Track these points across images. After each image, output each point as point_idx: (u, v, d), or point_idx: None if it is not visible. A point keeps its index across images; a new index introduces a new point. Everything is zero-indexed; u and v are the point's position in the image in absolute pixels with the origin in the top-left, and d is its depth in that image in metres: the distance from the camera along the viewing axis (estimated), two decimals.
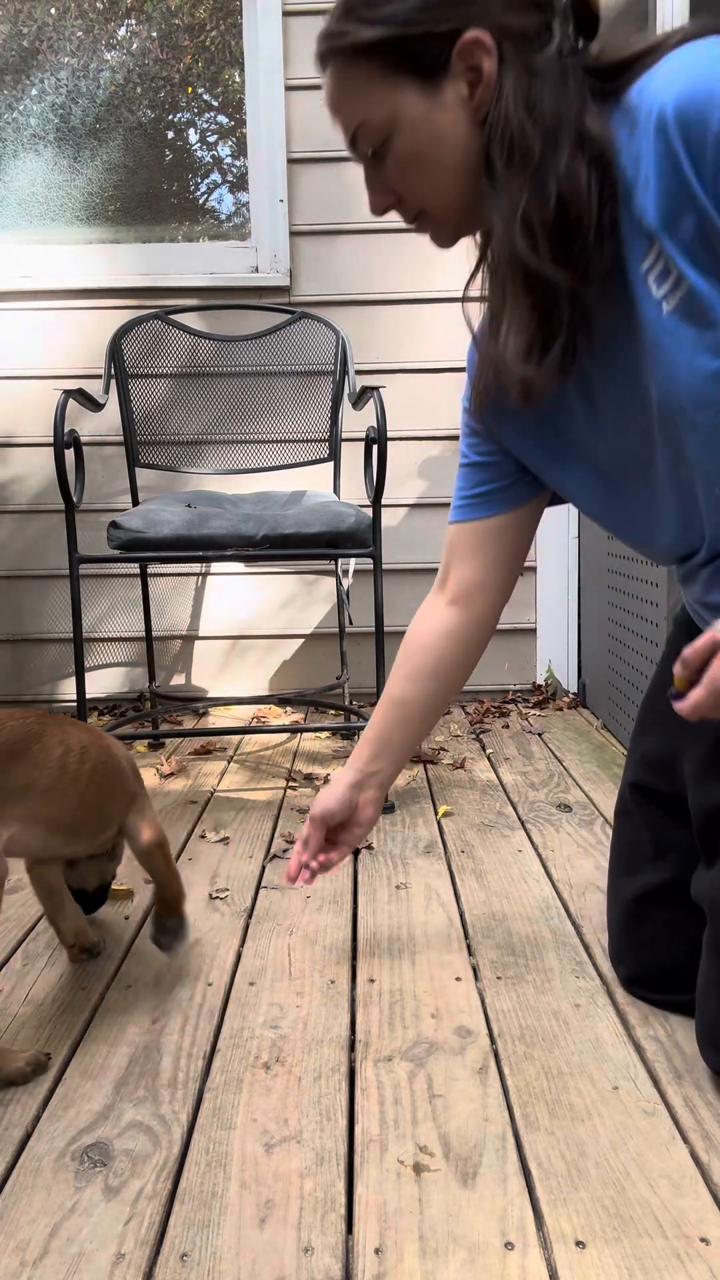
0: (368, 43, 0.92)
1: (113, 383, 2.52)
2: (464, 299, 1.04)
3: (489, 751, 2.42)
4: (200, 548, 2.01)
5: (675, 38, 0.87)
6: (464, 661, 1.28)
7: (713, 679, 0.89)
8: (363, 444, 2.14)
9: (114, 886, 1.60)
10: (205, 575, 2.94)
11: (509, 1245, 0.83)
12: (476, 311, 1.06)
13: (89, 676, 2.92)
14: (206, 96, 2.96)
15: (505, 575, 1.24)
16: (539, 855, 1.72)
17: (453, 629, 1.26)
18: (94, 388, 2.36)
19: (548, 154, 0.88)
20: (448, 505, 2.90)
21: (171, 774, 2.28)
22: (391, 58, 0.92)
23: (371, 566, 2.08)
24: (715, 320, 0.87)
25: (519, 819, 1.91)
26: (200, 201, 3.00)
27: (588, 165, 0.88)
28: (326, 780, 2.20)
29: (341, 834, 1.30)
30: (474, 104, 0.92)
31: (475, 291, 1.04)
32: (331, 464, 2.67)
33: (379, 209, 1.02)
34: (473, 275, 1.04)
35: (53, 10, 2.85)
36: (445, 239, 1.02)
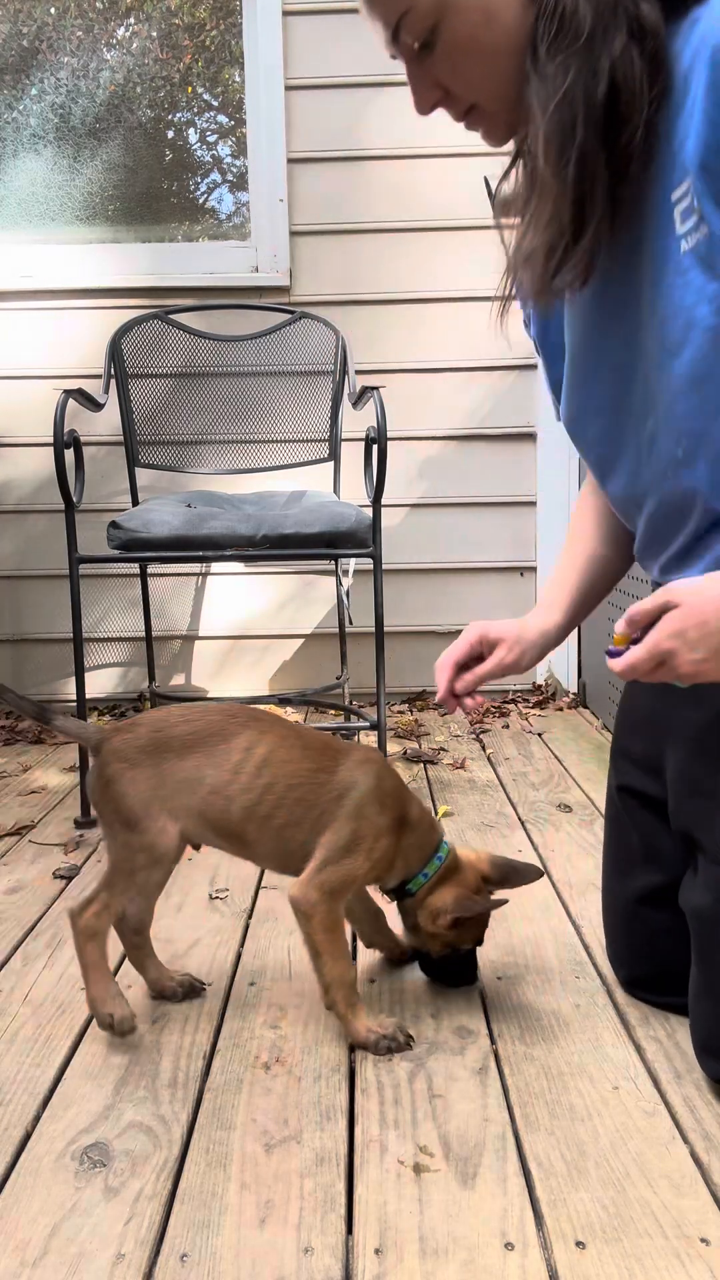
0: None
1: (113, 383, 2.52)
2: (496, 218, 0.98)
3: (489, 751, 2.42)
4: (200, 548, 2.01)
5: None
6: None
7: (655, 643, 0.87)
8: (363, 444, 2.14)
9: None
10: (205, 575, 2.94)
11: (509, 1245, 0.83)
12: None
13: (89, 676, 2.92)
14: (206, 96, 2.96)
15: None
16: (539, 855, 1.71)
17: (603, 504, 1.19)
18: (94, 388, 2.36)
19: (599, 33, 0.83)
20: (448, 505, 2.91)
21: None
22: None
23: (371, 567, 2.08)
24: None
25: (519, 819, 1.91)
26: (200, 201, 3.00)
27: (641, 56, 0.84)
28: None
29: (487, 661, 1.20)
30: None
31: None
32: (331, 464, 2.67)
33: (426, 106, 0.95)
34: (508, 171, 0.98)
35: (53, 10, 2.85)
36: (498, 135, 0.96)
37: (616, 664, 0.89)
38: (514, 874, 1.24)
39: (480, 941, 1.25)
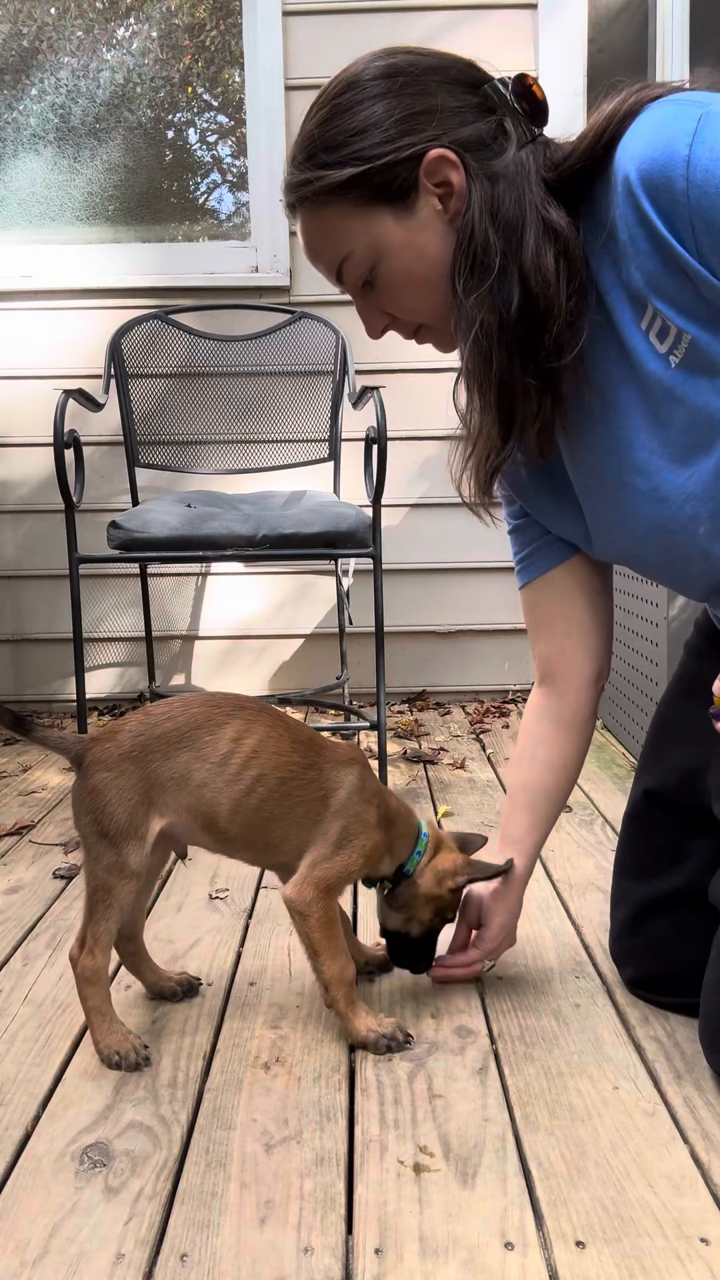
0: (338, 183, 0.94)
1: (113, 382, 2.52)
2: (455, 394, 1.05)
3: (489, 751, 2.42)
4: (200, 548, 2.01)
5: (625, 105, 0.88)
6: (567, 744, 1.22)
7: None
8: (363, 444, 2.14)
9: None
10: (205, 575, 2.94)
11: (509, 1245, 0.83)
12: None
13: (89, 676, 2.92)
14: (206, 96, 2.96)
15: (582, 640, 1.19)
16: (539, 855, 1.71)
17: (546, 710, 1.23)
18: (94, 388, 2.36)
19: (508, 262, 0.91)
20: (448, 505, 2.91)
21: None
22: (364, 192, 0.94)
23: (371, 566, 2.07)
24: None
25: None
26: (200, 201, 3.00)
27: (555, 255, 0.90)
28: None
29: (478, 937, 1.25)
30: (449, 215, 0.94)
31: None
32: (331, 464, 2.67)
33: (376, 332, 1.05)
34: (458, 379, 1.05)
35: (53, 10, 2.85)
36: (448, 345, 1.03)
37: None
38: (468, 844, 1.26)
39: (454, 916, 1.25)
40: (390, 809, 1.19)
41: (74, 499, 2.07)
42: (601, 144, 0.88)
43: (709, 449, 0.93)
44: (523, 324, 0.92)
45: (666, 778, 1.21)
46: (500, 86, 0.92)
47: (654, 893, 1.19)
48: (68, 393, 2.10)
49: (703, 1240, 0.83)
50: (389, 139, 0.92)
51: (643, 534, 1.03)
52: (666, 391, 0.92)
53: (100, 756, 1.11)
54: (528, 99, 0.92)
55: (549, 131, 0.95)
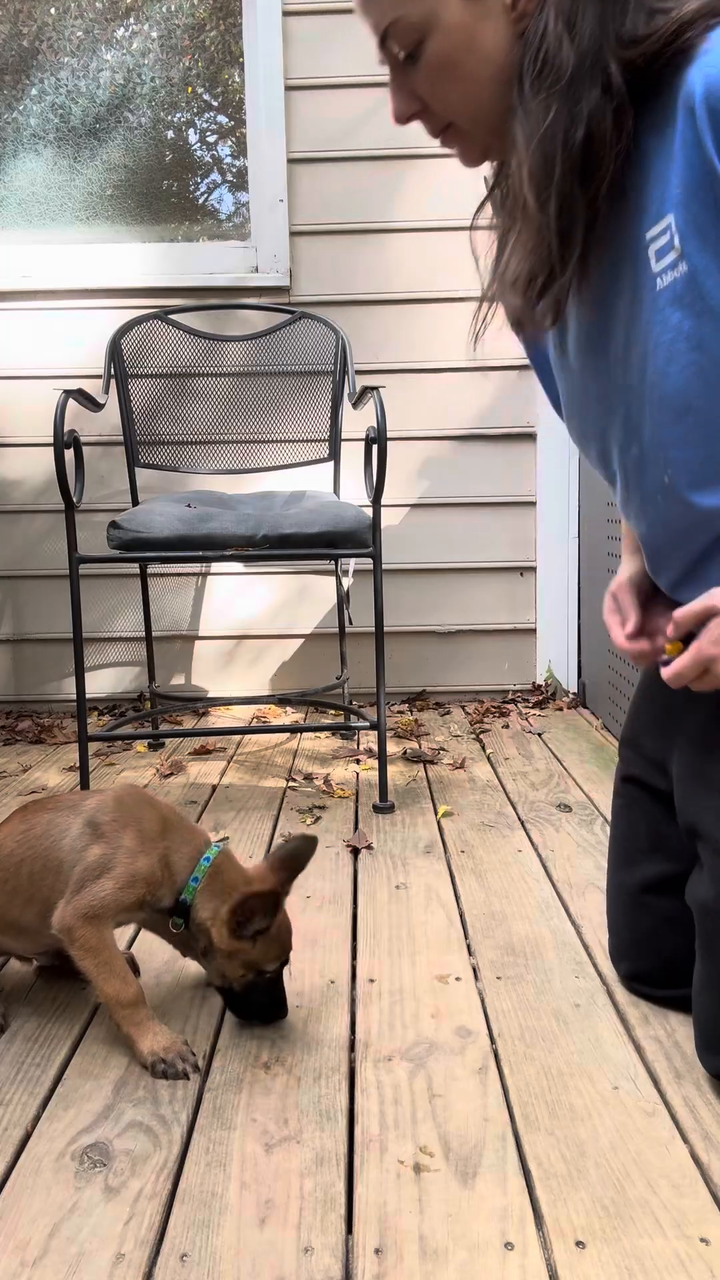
0: None
1: (113, 383, 2.52)
2: (472, 227, 1.02)
3: (489, 751, 2.42)
4: (200, 548, 2.00)
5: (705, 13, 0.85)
6: None
7: (699, 649, 0.91)
8: (363, 444, 2.14)
9: None
10: (205, 575, 2.94)
11: (509, 1245, 0.83)
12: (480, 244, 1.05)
13: (89, 676, 2.92)
14: (206, 96, 2.95)
15: None
16: (539, 855, 1.71)
17: None
18: (94, 388, 2.36)
19: (579, 79, 0.87)
20: (447, 505, 2.92)
21: (171, 774, 2.28)
22: None
23: (371, 566, 2.07)
24: (707, 308, 0.88)
25: (519, 819, 1.91)
26: (200, 201, 3.00)
27: (611, 112, 0.87)
28: (326, 780, 2.20)
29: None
30: (516, 14, 0.89)
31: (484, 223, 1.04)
32: (331, 464, 2.67)
33: (402, 116, 0.99)
34: (482, 204, 1.02)
35: (53, 10, 2.85)
36: (473, 156, 0.99)
37: (665, 672, 0.94)
38: (292, 857, 1.16)
39: (285, 960, 1.16)
40: (166, 818, 1.17)
41: (74, 499, 2.07)
42: (680, 41, 0.84)
43: (659, 386, 0.94)
44: (581, 154, 0.88)
45: (642, 763, 1.22)
46: None
47: (642, 880, 1.19)
48: (68, 393, 2.10)
49: (703, 1240, 0.83)
50: None
51: (592, 430, 1.06)
52: (639, 312, 0.93)
53: None
54: None
55: None
